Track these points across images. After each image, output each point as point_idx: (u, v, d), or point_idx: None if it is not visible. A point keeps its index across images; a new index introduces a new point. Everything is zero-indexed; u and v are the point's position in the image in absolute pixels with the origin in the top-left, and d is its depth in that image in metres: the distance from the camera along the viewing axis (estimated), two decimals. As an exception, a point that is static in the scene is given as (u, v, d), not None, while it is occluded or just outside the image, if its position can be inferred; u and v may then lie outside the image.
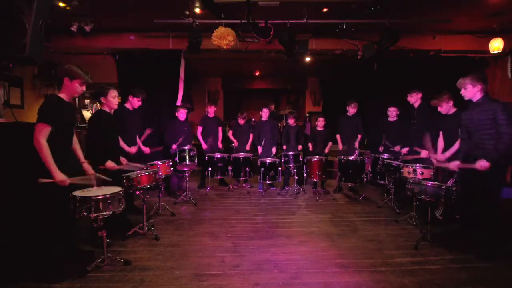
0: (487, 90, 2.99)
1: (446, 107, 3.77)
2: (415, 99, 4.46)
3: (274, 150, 5.70)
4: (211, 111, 5.76)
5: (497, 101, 2.95)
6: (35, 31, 2.25)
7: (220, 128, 5.87)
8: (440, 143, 3.84)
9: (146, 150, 4.34)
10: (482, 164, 2.79)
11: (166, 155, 4.92)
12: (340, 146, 5.42)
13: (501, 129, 2.79)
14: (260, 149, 5.68)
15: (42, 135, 2.43)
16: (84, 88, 2.69)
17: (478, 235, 3.14)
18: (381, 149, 5.01)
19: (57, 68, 2.69)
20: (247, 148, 5.88)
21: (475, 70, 3.07)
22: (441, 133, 3.85)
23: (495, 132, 2.82)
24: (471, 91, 2.99)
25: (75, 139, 2.84)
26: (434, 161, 3.64)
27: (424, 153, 3.98)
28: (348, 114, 5.42)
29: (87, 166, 2.84)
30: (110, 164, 3.17)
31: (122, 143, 3.73)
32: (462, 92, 3.06)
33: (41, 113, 2.49)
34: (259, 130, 5.75)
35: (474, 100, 3.01)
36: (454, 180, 3.10)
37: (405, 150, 4.57)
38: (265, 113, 5.75)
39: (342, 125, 5.46)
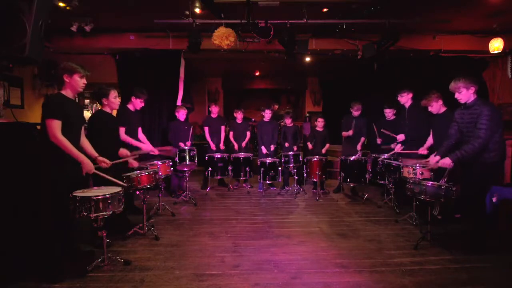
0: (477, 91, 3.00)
1: (436, 106, 3.78)
2: (405, 99, 4.44)
3: (272, 147, 5.66)
4: (214, 111, 5.75)
5: (487, 104, 2.92)
6: (35, 31, 2.25)
7: (223, 128, 5.85)
8: (429, 140, 3.92)
9: (155, 151, 4.14)
10: (444, 161, 2.96)
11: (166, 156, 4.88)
12: (351, 132, 5.18)
13: (479, 133, 2.83)
14: (264, 149, 5.64)
15: (56, 129, 2.43)
16: (84, 81, 2.68)
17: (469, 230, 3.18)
18: (379, 141, 4.98)
19: (56, 69, 2.67)
20: (243, 145, 5.84)
21: (467, 73, 3.09)
22: (431, 131, 3.90)
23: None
24: (466, 94, 2.97)
25: (83, 137, 2.84)
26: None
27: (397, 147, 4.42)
28: (352, 115, 5.28)
29: (101, 159, 2.80)
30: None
31: (131, 140, 3.79)
32: (457, 96, 3.04)
33: (46, 109, 2.48)
34: (261, 131, 5.74)
35: (468, 102, 3.00)
36: (445, 179, 3.09)
37: (399, 147, 4.54)
38: (267, 114, 5.72)
39: (346, 125, 5.27)
